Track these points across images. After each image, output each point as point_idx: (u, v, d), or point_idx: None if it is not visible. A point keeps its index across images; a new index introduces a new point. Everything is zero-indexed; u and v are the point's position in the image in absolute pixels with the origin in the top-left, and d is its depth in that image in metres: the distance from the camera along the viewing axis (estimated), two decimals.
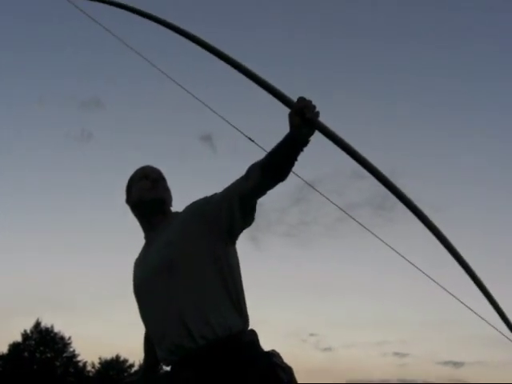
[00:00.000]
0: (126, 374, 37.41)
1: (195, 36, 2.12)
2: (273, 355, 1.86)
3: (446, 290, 1.92)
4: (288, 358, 1.88)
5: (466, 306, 1.92)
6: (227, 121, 1.99)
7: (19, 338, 38.08)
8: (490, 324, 1.95)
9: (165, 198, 2.11)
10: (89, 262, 55.31)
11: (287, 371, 1.83)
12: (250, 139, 1.93)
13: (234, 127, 1.97)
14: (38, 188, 56.49)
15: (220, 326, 1.82)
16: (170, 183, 2.18)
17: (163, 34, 2.22)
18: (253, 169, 1.88)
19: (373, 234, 1.95)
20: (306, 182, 1.92)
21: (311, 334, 58.12)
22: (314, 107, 1.76)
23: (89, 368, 39.93)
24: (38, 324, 38.47)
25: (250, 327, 1.93)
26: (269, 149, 1.86)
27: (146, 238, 2.12)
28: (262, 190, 1.89)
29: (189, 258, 1.89)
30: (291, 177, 1.88)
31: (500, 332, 1.98)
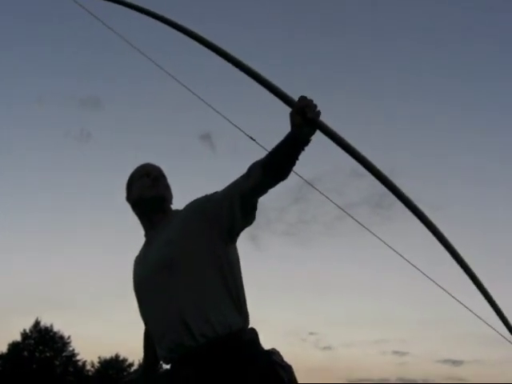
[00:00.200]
0: (125, 374, 37.41)
1: (197, 33, 2.11)
2: (273, 353, 1.86)
3: (443, 289, 1.93)
4: (287, 357, 1.89)
5: (465, 306, 1.93)
6: (228, 120, 1.98)
7: (19, 338, 38.15)
8: (488, 324, 1.95)
9: (165, 195, 2.10)
10: (88, 261, 55.39)
11: (287, 370, 1.84)
12: (251, 138, 1.93)
13: (236, 126, 1.96)
14: (38, 188, 56.45)
15: (220, 324, 1.83)
16: (170, 182, 2.18)
17: (165, 32, 2.21)
18: (254, 167, 1.88)
19: (371, 232, 1.95)
20: (306, 181, 1.93)
21: (311, 333, 58.11)
22: (316, 106, 1.76)
23: (88, 367, 40.02)
24: (37, 323, 38.48)
25: (249, 326, 1.94)
26: (270, 148, 1.86)
27: (147, 235, 2.12)
28: (263, 188, 1.89)
29: (189, 256, 1.89)
30: (291, 175, 1.89)
31: (498, 332, 1.98)
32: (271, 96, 1.91)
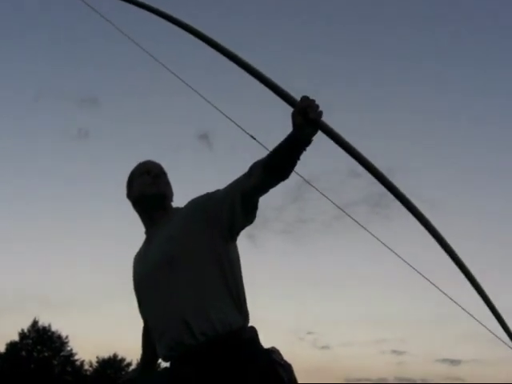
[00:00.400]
0: (123, 373, 37.38)
1: (200, 31, 2.10)
2: (273, 352, 1.86)
3: (441, 290, 1.92)
4: (285, 357, 1.89)
5: (462, 308, 1.93)
6: (230, 118, 1.97)
7: (16, 337, 38.06)
8: (484, 326, 1.95)
9: (166, 193, 2.11)
10: (87, 261, 55.29)
11: (287, 369, 1.84)
12: (251, 137, 1.92)
13: (237, 124, 1.95)
14: (36, 187, 56.35)
15: (220, 322, 1.83)
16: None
17: (168, 30, 2.19)
18: (255, 167, 1.88)
19: (369, 232, 1.95)
20: (306, 180, 1.92)
21: (309, 333, 58.09)
22: (318, 107, 1.75)
23: (86, 367, 39.95)
24: (35, 323, 38.41)
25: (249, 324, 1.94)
26: (270, 146, 1.86)
27: (147, 233, 2.12)
28: (264, 188, 1.89)
29: (190, 254, 1.89)
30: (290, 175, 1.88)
31: (494, 334, 1.98)
32: (272, 94, 1.90)
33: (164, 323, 1.89)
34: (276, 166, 1.83)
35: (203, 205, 1.96)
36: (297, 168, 1.86)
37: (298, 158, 1.82)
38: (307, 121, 1.74)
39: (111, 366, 38.73)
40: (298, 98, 1.83)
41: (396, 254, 1.92)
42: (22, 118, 52.21)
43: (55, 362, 38.40)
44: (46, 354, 38.04)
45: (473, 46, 48.01)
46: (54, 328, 38.59)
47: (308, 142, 1.79)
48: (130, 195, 2.17)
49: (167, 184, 2.14)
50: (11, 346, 37.61)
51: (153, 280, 1.95)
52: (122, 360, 39.45)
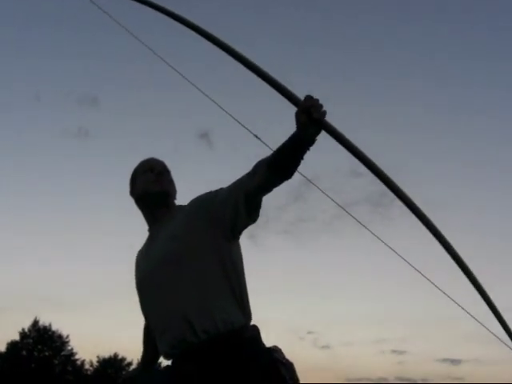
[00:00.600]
0: (123, 373, 37.37)
1: (205, 30, 2.09)
2: (275, 351, 1.87)
3: (441, 290, 1.92)
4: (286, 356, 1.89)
5: (462, 308, 1.93)
6: (234, 118, 1.97)
7: (17, 337, 38.09)
8: (485, 327, 1.95)
9: (169, 191, 2.11)
10: (87, 260, 55.30)
11: (289, 367, 1.85)
12: (255, 136, 1.92)
13: (241, 124, 1.94)
14: (36, 187, 56.39)
15: (222, 320, 1.83)
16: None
17: (173, 29, 2.19)
18: (259, 166, 1.87)
19: (371, 232, 1.95)
20: (308, 180, 1.91)
21: (309, 332, 58.28)
22: (321, 106, 1.75)
23: (87, 366, 39.98)
24: (35, 322, 38.43)
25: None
26: (274, 146, 1.86)
27: (150, 230, 2.12)
28: (268, 187, 1.89)
29: (193, 253, 1.89)
30: None
31: (495, 335, 1.98)
32: (276, 94, 1.90)
33: (166, 321, 1.89)
34: (280, 166, 1.83)
35: (207, 204, 1.96)
36: (299, 167, 1.86)
37: (302, 158, 1.82)
38: (311, 120, 1.73)
39: (112, 366, 38.75)
40: (300, 96, 1.83)
41: (397, 253, 1.92)
42: (23, 117, 52.22)
43: (56, 362, 38.42)
44: (47, 354, 38.06)
45: (474, 39, 47.97)
46: (54, 327, 38.68)
47: (312, 141, 1.79)
48: (133, 192, 2.17)
49: (170, 182, 2.14)
50: (12, 345, 37.64)
51: (155, 278, 1.95)
52: (123, 359, 39.49)
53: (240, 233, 1.97)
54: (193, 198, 2.07)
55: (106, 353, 39.82)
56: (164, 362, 2.05)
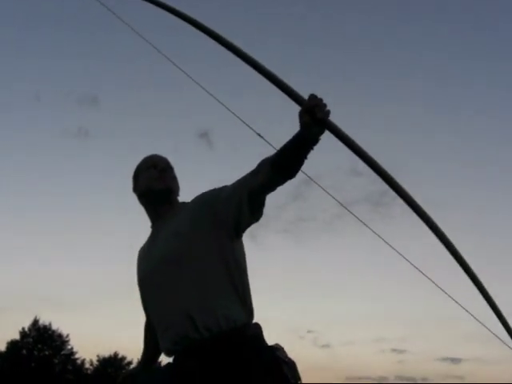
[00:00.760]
0: (123, 372, 37.36)
1: (209, 28, 2.08)
2: (277, 349, 1.87)
3: (441, 289, 1.92)
4: None
5: (463, 307, 1.92)
6: (238, 116, 1.96)
7: (17, 336, 38.11)
8: (486, 327, 1.95)
9: (172, 188, 2.11)
10: (87, 259, 55.31)
11: (291, 366, 1.85)
12: (258, 135, 1.91)
13: (244, 122, 1.93)
14: (36, 186, 56.40)
15: (225, 318, 1.83)
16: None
17: (174, 25, 2.18)
18: (263, 164, 1.87)
19: (372, 231, 1.94)
20: (310, 177, 1.90)
21: (309, 331, 58.24)
22: (325, 106, 1.74)
23: (87, 365, 39.99)
24: (35, 322, 38.44)
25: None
26: (277, 145, 1.85)
27: (153, 227, 2.12)
28: (272, 186, 1.89)
29: (196, 251, 1.89)
30: None
31: (495, 334, 1.97)
32: (280, 92, 1.89)
33: (168, 318, 1.89)
34: (283, 165, 1.82)
35: (211, 202, 1.95)
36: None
37: (306, 157, 1.81)
38: (314, 120, 1.73)
39: (112, 365, 38.76)
40: (303, 94, 1.82)
41: (398, 252, 1.92)
42: (23, 117, 52.22)
43: (56, 361, 38.43)
44: (47, 353, 38.07)
45: (474, 39, 47.94)
46: (54, 327, 38.68)
47: (315, 141, 1.78)
48: (135, 189, 2.17)
49: (174, 178, 2.14)
50: (12, 344, 37.66)
51: (158, 275, 1.94)
52: (123, 359, 39.51)
53: (243, 231, 1.97)
54: (192, 197, 2.07)
55: (106, 352, 39.86)
56: (164, 361, 2.05)
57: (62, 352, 38.87)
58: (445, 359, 47.18)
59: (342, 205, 1.94)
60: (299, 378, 1.85)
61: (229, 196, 1.92)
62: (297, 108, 1.81)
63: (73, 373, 38.78)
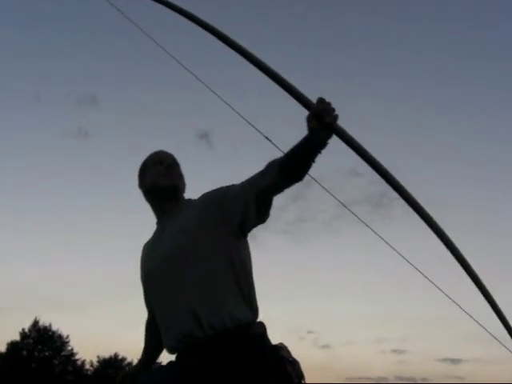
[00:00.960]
0: (123, 371, 37.29)
1: (218, 30, 2.08)
2: (281, 348, 1.87)
3: (441, 290, 1.92)
4: None
5: (462, 309, 1.93)
6: (246, 119, 1.96)
7: (17, 337, 38.08)
8: (485, 328, 1.95)
9: (179, 185, 2.10)
10: (87, 260, 55.30)
11: (295, 365, 1.85)
12: (266, 138, 1.91)
13: (252, 126, 1.94)
14: (36, 187, 56.39)
15: (229, 317, 1.83)
16: None
17: (180, 25, 2.17)
18: (271, 166, 1.86)
19: (374, 231, 1.94)
20: (314, 179, 1.90)
21: (309, 332, 58.25)
22: (333, 110, 1.73)
23: (87, 366, 39.96)
24: (36, 323, 38.41)
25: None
26: (284, 148, 1.84)
27: (158, 223, 2.11)
28: (278, 188, 1.88)
29: (202, 249, 1.89)
30: None
31: (493, 336, 1.98)
32: (286, 94, 1.88)
33: (172, 315, 1.89)
34: (291, 168, 1.82)
35: (218, 200, 1.95)
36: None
37: (314, 161, 1.80)
38: (322, 125, 1.71)
39: (112, 366, 38.71)
40: (307, 95, 1.81)
41: (398, 253, 1.92)
42: (23, 116, 52.23)
43: (56, 362, 38.40)
44: (47, 354, 38.04)
45: (474, 39, 47.90)
46: (54, 327, 38.66)
47: (323, 145, 1.77)
48: (141, 185, 2.16)
49: (180, 175, 2.13)
50: (12, 345, 37.63)
51: (163, 272, 1.94)
52: (123, 359, 39.46)
53: (249, 231, 1.97)
54: (192, 197, 2.07)
55: (107, 353, 39.84)
56: (164, 359, 2.05)
57: (62, 353, 38.84)
58: (445, 359, 47.23)
59: (344, 206, 1.94)
60: (303, 378, 1.85)
61: (237, 195, 1.91)
62: (304, 110, 1.80)
63: (73, 374, 38.74)
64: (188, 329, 1.84)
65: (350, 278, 53.72)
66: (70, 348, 39.12)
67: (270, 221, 1.93)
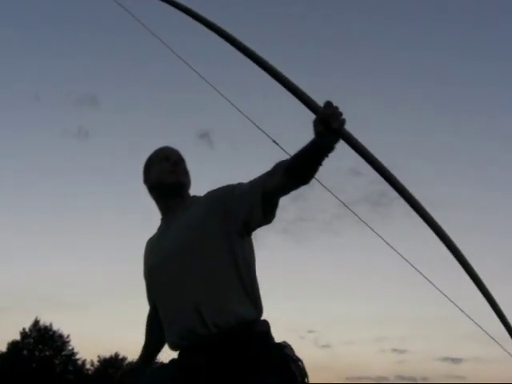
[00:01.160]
0: (122, 368, 37.27)
1: (226, 31, 2.07)
2: (285, 347, 1.87)
3: (440, 291, 1.92)
4: None
5: (461, 310, 1.93)
6: (255, 123, 1.95)
7: (18, 337, 38.09)
8: (482, 329, 1.95)
9: (184, 182, 2.09)
10: (88, 260, 55.29)
11: (298, 363, 1.85)
12: (274, 142, 1.90)
13: (261, 129, 1.93)
14: (36, 187, 56.38)
15: (234, 314, 1.83)
16: None
17: (185, 24, 2.16)
18: (279, 167, 1.85)
19: (374, 231, 1.94)
20: (316, 179, 1.90)
21: (309, 331, 58.30)
22: (341, 114, 1.71)
23: (88, 366, 39.97)
24: (36, 322, 38.42)
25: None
26: (291, 152, 1.83)
27: (163, 220, 2.11)
28: (285, 190, 1.87)
29: (206, 246, 1.89)
30: None
31: (491, 336, 1.98)
32: (292, 97, 1.87)
33: (176, 312, 1.89)
34: (298, 171, 1.81)
35: (224, 198, 1.94)
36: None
37: (320, 164, 1.79)
38: (329, 130, 1.70)
39: (112, 365, 38.68)
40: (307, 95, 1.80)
41: (398, 252, 1.92)
42: (23, 116, 52.19)
43: (57, 362, 38.40)
44: (48, 354, 38.05)
45: (474, 39, 47.85)
46: (55, 327, 38.67)
47: (330, 148, 1.76)
48: (146, 181, 2.15)
49: (186, 172, 2.12)
50: (13, 345, 37.63)
51: (167, 268, 1.94)
52: (124, 359, 39.43)
53: (253, 230, 1.96)
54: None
55: (107, 352, 39.84)
56: (163, 358, 2.04)
57: (63, 352, 38.85)
58: (445, 359, 47.30)
59: (345, 205, 1.94)
60: (306, 376, 1.85)
61: (243, 194, 1.90)
62: (310, 112, 1.79)
63: (74, 373, 38.74)
64: (192, 324, 1.83)
65: (350, 278, 53.79)
66: (70, 348, 39.18)
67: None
